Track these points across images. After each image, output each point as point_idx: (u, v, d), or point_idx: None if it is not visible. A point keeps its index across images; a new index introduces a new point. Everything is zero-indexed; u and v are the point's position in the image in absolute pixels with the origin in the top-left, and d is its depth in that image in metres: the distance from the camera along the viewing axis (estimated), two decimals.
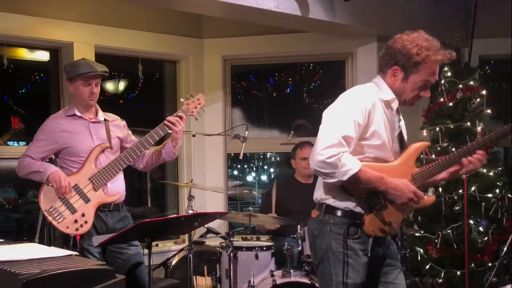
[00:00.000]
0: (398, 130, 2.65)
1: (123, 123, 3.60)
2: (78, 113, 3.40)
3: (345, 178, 2.40)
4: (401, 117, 2.70)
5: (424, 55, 2.47)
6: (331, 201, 2.58)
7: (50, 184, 3.23)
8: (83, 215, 3.24)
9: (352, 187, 2.50)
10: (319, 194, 2.65)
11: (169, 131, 3.42)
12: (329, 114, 2.53)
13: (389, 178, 2.49)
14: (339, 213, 2.56)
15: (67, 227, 3.21)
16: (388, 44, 2.58)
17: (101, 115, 3.48)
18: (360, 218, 2.53)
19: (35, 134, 3.39)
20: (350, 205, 2.55)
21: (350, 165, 2.40)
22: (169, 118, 3.39)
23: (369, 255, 2.54)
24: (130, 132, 3.61)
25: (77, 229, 3.22)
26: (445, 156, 2.66)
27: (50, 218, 3.21)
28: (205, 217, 3.31)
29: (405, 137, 2.73)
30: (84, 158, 3.32)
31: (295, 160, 4.64)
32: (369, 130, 2.50)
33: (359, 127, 2.46)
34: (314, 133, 2.59)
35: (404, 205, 2.54)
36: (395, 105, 2.60)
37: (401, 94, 2.57)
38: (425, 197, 2.61)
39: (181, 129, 3.41)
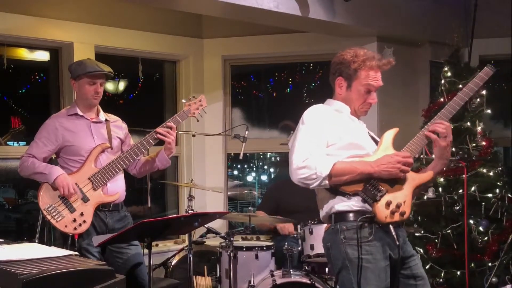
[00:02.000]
0: (365, 131, 2.75)
1: (124, 125, 3.61)
2: (80, 113, 3.41)
3: (326, 172, 2.45)
4: (361, 122, 2.79)
5: (360, 60, 2.65)
6: (337, 207, 2.58)
7: (57, 188, 3.23)
8: (81, 214, 3.24)
9: (341, 182, 2.51)
10: (323, 211, 2.67)
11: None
12: (294, 138, 2.65)
13: (370, 160, 2.54)
14: (349, 217, 2.56)
15: (66, 226, 3.21)
16: (330, 64, 2.77)
17: (102, 116, 3.49)
18: (370, 213, 2.52)
19: (37, 132, 3.39)
20: (356, 203, 2.55)
21: (326, 160, 2.49)
22: (159, 129, 3.39)
23: (397, 242, 2.51)
24: (130, 135, 3.62)
25: (75, 228, 3.22)
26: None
27: (49, 217, 3.21)
28: (205, 217, 3.31)
29: (376, 138, 2.79)
30: (85, 157, 3.33)
31: None
32: (334, 135, 2.60)
33: (322, 134, 2.59)
34: None
35: (401, 175, 2.54)
36: (346, 111, 2.72)
37: (350, 103, 2.72)
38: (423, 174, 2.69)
39: (173, 139, 3.42)
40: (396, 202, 2.53)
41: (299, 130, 2.64)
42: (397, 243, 2.52)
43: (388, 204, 2.52)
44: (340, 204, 2.57)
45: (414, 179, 2.62)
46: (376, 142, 2.72)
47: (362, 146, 2.64)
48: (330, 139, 2.60)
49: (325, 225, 2.73)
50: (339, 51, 2.76)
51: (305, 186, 2.56)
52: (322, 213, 2.69)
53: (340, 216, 2.58)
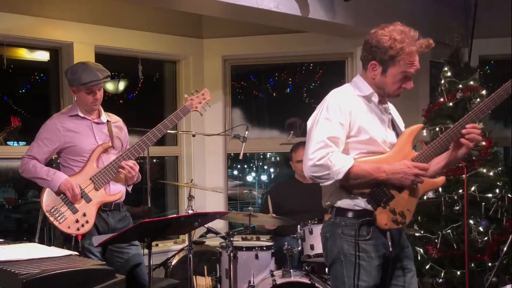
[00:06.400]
0: (388, 121, 2.64)
1: (125, 127, 3.60)
2: (81, 114, 3.40)
3: (340, 176, 2.40)
4: (388, 106, 2.67)
5: (399, 48, 2.48)
6: (339, 203, 2.57)
7: (62, 193, 3.22)
8: (84, 214, 3.23)
9: (353, 185, 2.48)
10: (326, 200, 2.65)
11: (169, 131, 3.42)
12: (312, 123, 2.56)
13: (386, 165, 2.47)
14: (350, 214, 2.55)
15: (69, 227, 3.21)
16: (365, 40, 2.59)
17: (104, 117, 3.47)
18: (371, 215, 2.50)
19: (38, 133, 3.37)
20: (359, 203, 2.53)
21: (342, 163, 2.41)
22: (123, 164, 3.28)
23: (390, 249, 2.51)
24: (128, 137, 3.61)
25: (78, 229, 3.21)
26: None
27: (51, 219, 3.20)
28: (205, 217, 3.31)
29: (401, 125, 2.71)
30: (86, 157, 3.32)
31: (292, 162, 4.64)
32: (354, 127, 2.51)
33: (343, 127, 2.48)
34: None
35: (414, 184, 2.49)
36: (375, 98, 2.59)
37: (384, 88, 2.57)
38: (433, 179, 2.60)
39: (134, 175, 3.33)
40: (400, 209, 2.51)
41: (321, 117, 2.50)
42: (390, 249, 2.52)
43: (391, 211, 2.50)
44: (344, 200, 2.55)
45: (425, 184, 2.55)
46: (397, 135, 2.63)
47: (380, 143, 2.55)
48: (351, 131, 2.50)
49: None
50: (372, 30, 2.55)
51: (315, 182, 2.51)
52: (325, 202, 2.65)
53: (341, 211, 2.57)
